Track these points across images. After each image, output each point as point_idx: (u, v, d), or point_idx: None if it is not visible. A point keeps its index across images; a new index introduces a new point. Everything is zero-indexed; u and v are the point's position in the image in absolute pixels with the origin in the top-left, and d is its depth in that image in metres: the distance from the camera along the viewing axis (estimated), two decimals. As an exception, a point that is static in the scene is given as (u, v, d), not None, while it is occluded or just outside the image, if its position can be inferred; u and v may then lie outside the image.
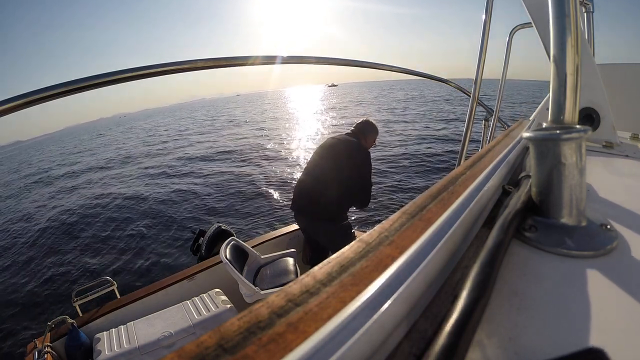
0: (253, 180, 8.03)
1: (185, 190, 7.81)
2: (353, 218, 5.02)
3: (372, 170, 2.20)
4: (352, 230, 2.16)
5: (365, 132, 2.19)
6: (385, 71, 1.42)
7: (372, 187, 2.18)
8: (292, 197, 2.24)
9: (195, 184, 8.35)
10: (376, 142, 2.28)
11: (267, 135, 16.77)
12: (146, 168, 11.43)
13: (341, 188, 2.01)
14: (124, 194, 8.24)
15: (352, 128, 2.23)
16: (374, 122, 2.26)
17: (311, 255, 2.34)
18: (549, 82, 0.40)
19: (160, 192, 7.87)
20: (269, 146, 13.20)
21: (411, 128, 14.17)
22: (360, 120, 2.26)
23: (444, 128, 13.72)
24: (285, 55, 0.92)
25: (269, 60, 0.87)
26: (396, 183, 6.81)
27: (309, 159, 2.22)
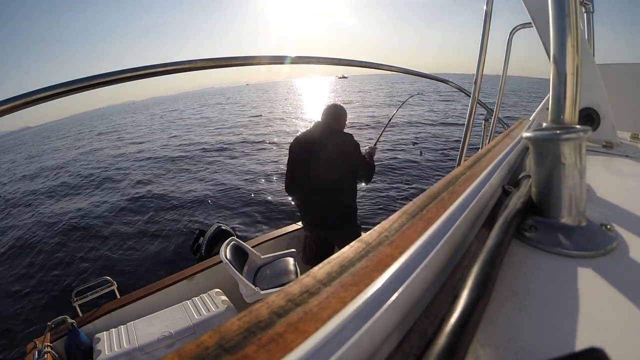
0: (255, 180, 8.02)
1: (185, 190, 7.81)
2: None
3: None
4: (361, 232, 2.18)
5: (339, 118, 2.07)
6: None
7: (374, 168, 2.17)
8: (295, 207, 2.18)
9: (197, 183, 8.34)
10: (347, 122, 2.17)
11: (279, 129, 16.42)
12: (147, 165, 11.40)
13: (352, 188, 2.08)
14: (124, 193, 8.24)
15: (324, 116, 2.07)
16: (340, 104, 2.15)
17: (316, 248, 2.28)
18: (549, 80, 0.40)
19: (160, 192, 7.87)
20: (276, 140, 13.03)
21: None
22: (328, 106, 2.11)
23: (443, 126, 13.72)
24: (293, 55, 0.90)
25: (272, 60, 0.86)
26: (398, 183, 6.81)
27: (293, 163, 2.07)
